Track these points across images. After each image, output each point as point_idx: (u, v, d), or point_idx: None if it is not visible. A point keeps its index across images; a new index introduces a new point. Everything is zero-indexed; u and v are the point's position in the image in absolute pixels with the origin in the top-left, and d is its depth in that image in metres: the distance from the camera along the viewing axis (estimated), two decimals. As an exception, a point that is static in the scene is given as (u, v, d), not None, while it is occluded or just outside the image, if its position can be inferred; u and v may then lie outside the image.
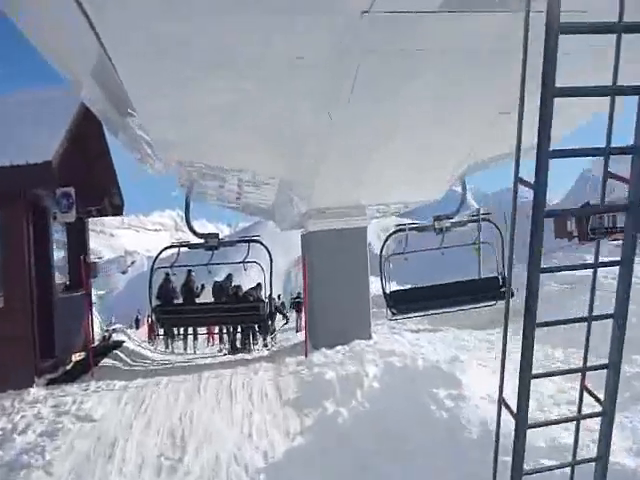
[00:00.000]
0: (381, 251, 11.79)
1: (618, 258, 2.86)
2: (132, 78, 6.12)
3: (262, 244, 11.76)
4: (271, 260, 11.92)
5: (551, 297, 12.66)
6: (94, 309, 16.63)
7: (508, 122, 8.42)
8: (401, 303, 11.46)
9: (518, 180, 2.67)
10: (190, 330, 15.85)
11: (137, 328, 37.42)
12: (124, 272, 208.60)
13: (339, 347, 10.46)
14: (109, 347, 12.95)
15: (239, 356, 12.42)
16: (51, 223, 11.00)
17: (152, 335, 26.78)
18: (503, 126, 8.46)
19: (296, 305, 23.85)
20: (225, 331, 14.15)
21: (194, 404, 7.96)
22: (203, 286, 14.14)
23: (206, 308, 12.43)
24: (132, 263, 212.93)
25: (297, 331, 20.97)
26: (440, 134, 8.57)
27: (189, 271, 16.05)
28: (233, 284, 13.69)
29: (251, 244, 11.90)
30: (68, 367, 11.02)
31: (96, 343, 13.48)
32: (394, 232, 12.19)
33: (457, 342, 10.86)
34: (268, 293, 12.08)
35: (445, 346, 10.19)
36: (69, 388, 9.42)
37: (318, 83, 6.36)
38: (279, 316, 17.78)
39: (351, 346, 10.47)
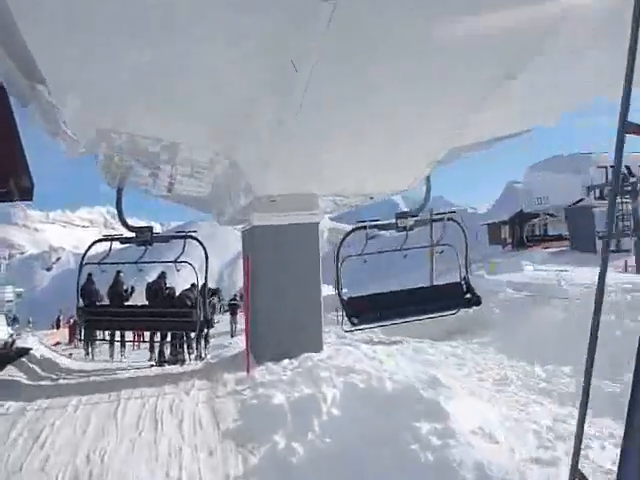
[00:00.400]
0: (338, 251, 10.39)
1: None
2: (41, 44, 5.38)
3: (198, 240, 10.30)
4: (207, 257, 10.39)
5: (515, 306, 11.71)
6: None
7: (486, 106, 7.40)
8: (362, 312, 10.10)
9: None
10: (117, 335, 13.89)
11: (57, 329, 34.53)
12: (49, 269, 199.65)
13: (286, 361, 9.04)
14: (11, 355, 10.94)
15: (168, 369, 10.72)
16: None
17: (73, 338, 24.53)
18: (480, 112, 7.42)
19: (231, 308, 22.32)
20: (155, 338, 12.41)
21: (108, 436, 6.31)
22: (133, 288, 12.37)
23: (136, 311, 10.82)
24: (57, 260, 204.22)
25: (232, 336, 19.38)
26: (410, 119, 7.35)
27: (118, 272, 15.05)
28: (167, 285, 11.96)
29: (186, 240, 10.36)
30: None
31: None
32: (355, 229, 10.98)
33: (420, 356, 9.63)
34: (201, 297, 10.48)
35: (408, 361, 8.92)
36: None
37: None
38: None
39: (300, 360, 9.04)
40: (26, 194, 11.65)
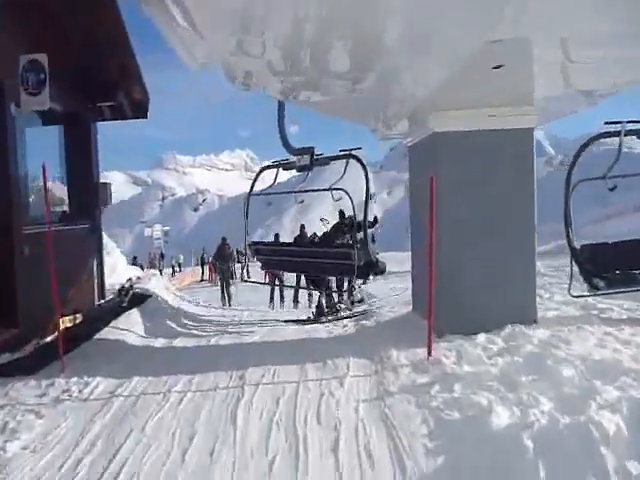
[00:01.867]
0: (569, 172, 6.87)
1: None
2: None
3: (359, 159, 7.46)
4: (367, 181, 7.53)
5: None
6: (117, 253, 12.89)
7: None
8: (608, 268, 6.66)
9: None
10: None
11: (202, 266, 34.26)
12: (196, 210, 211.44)
13: (482, 337, 6.05)
14: (125, 305, 8.95)
15: (312, 332, 8.07)
16: (10, 113, 6.85)
17: (212, 277, 24.04)
18: None
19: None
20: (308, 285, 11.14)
21: (219, 463, 3.76)
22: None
23: (304, 251, 9.17)
24: (203, 201, 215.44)
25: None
26: None
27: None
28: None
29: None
30: (43, 342, 7.06)
31: (109, 297, 9.53)
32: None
33: None
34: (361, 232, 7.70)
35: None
36: (19, 386, 5.49)
37: None
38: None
39: (505, 336, 6.02)
40: (140, 110, 9.44)
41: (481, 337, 6.05)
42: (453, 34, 4.59)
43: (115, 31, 8.48)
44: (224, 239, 19.12)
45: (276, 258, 9.37)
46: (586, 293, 6.85)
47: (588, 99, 6.55)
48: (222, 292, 17.79)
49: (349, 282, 11.07)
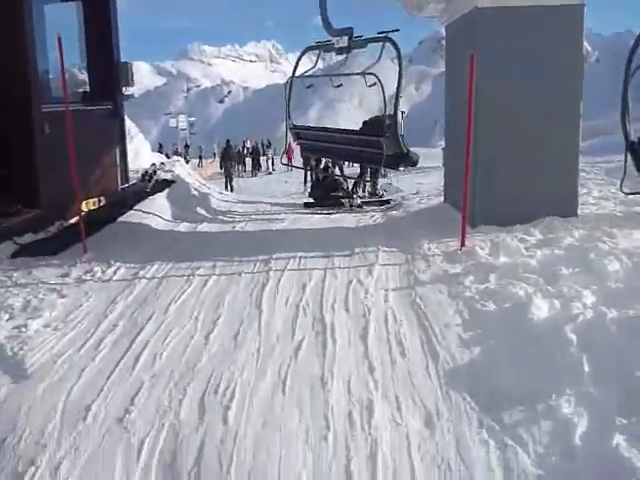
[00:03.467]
0: (630, 58, 6.11)
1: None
2: None
3: (394, 43, 6.92)
4: (400, 65, 6.96)
5: None
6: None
7: None
8: None
9: None
10: None
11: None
12: (221, 101, 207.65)
13: (518, 228, 5.72)
14: (148, 190, 8.72)
15: (340, 220, 7.83)
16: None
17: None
18: None
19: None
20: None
21: (242, 352, 3.62)
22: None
23: (341, 137, 8.63)
24: (228, 93, 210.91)
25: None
26: None
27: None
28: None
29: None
30: (67, 223, 6.94)
31: (132, 182, 9.33)
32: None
33: None
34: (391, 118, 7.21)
35: None
36: (41, 266, 5.41)
37: None
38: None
39: (543, 228, 5.69)
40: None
41: (518, 228, 5.74)
42: None
43: None
44: (228, 141, 25.91)
45: (315, 142, 9.06)
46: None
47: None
48: (225, 184, 22.08)
49: (372, 174, 10.71)
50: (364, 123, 9.02)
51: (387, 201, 10.11)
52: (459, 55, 6.65)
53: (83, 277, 5.11)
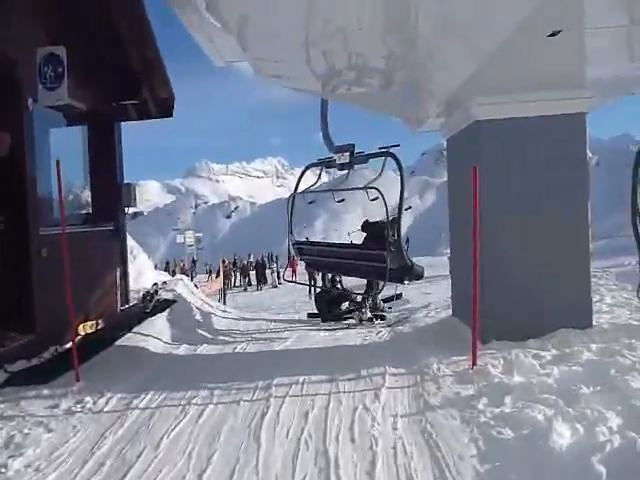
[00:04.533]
0: (638, 162, 6.14)
1: None
2: None
3: (395, 157, 7.08)
4: (402, 180, 7.07)
5: None
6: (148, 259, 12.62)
7: None
8: None
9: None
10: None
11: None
12: (228, 217, 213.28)
13: (532, 344, 5.48)
14: (149, 311, 8.57)
15: (343, 339, 7.58)
16: (28, 108, 6.55)
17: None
18: None
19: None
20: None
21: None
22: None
23: (343, 252, 8.79)
24: (236, 208, 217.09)
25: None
26: None
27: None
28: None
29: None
30: (62, 348, 6.70)
31: (133, 303, 9.19)
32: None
33: None
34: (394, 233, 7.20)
35: None
36: (31, 396, 5.13)
37: None
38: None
39: (558, 342, 5.44)
40: (165, 108, 9.14)
41: (531, 344, 5.48)
42: None
43: (139, 26, 8.19)
44: (224, 261, 28.91)
45: (318, 258, 9.00)
46: None
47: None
48: (220, 297, 23.75)
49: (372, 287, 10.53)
50: (363, 226, 9.06)
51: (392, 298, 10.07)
52: (461, 166, 6.72)
53: (73, 408, 4.82)
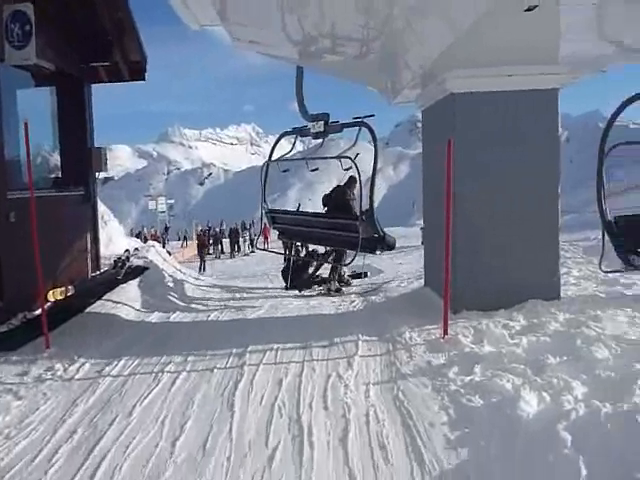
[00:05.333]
0: (603, 137, 6.20)
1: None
2: None
3: (369, 127, 7.09)
4: (376, 149, 7.04)
5: None
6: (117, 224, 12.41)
7: None
8: None
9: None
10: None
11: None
12: (201, 183, 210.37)
13: (502, 313, 5.59)
14: (121, 277, 8.45)
15: (317, 308, 7.62)
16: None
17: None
18: None
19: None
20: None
21: (209, 461, 3.32)
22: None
23: (315, 221, 8.54)
24: (209, 175, 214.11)
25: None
26: None
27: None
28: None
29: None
30: (31, 315, 6.61)
31: (104, 269, 9.07)
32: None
33: None
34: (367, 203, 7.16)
35: None
36: None
37: None
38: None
39: (526, 313, 5.55)
40: (136, 71, 8.89)
41: (501, 314, 5.59)
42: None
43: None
44: (201, 230, 32.25)
45: (291, 227, 8.98)
46: (619, 269, 6.32)
47: (622, 54, 5.98)
48: (200, 265, 25.05)
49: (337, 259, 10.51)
50: (327, 196, 9.03)
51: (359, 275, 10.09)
52: (436, 138, 6.72)
53: (43, 375, 4.79)
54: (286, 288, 9.69)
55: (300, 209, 9.81)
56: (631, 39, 6.04)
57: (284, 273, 10.14)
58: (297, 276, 9.74)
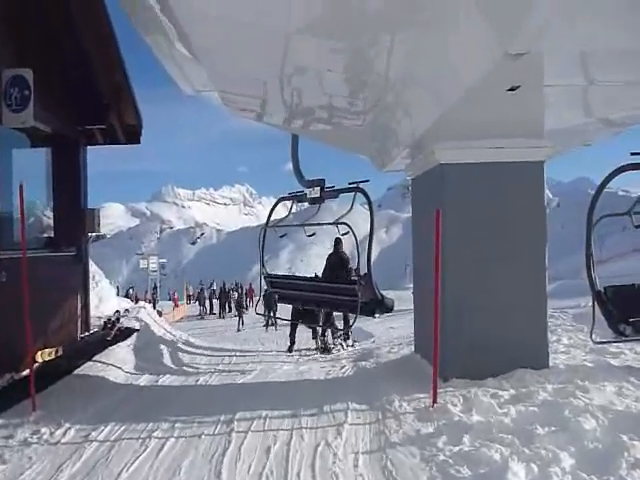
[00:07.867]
0: (591, 207, 6.40)
1: None
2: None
3: (365, 193, 7.42)
4: (372, 214, 7.26)
5: None
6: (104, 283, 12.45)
7: None
8: (633, 313, 6.19)
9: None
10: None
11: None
12: (193, 243, 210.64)
13: (490, 382, 5.62)
14: (110, 339, 8.43)
15: (306, 373, 7.60)
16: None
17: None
18: None
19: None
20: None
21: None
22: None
23: (314, 285, 8.80)
24: (201, 235, 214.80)
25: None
26: None
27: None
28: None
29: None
30: (18, 376, 6.55)
31: (94, 330, 9.05)
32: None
33: None
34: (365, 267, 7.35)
35: None
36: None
37: None
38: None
39: (515, 382, 5.59)
40: (132, 134, 9.15)
41: (490, 382, 5.61)
42: (467, 51, 4.31)
43: (108, 50, 8.24)
44: (202, 289, 33.71)
45: (290, 291, 9.08)
46: (610, 339, 6.39)
47: (606, 128, 6.27)
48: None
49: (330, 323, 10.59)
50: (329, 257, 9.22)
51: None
52: (425, 207, 6.91)
53: (29, 439, 4.73)
54: (289, 350, 9.81)
55: (293, 272, 10.03)
56: (616, 115, 6.35)
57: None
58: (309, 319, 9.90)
